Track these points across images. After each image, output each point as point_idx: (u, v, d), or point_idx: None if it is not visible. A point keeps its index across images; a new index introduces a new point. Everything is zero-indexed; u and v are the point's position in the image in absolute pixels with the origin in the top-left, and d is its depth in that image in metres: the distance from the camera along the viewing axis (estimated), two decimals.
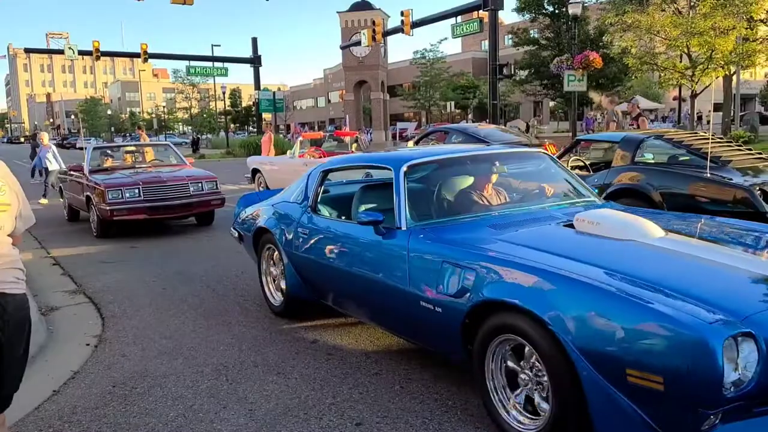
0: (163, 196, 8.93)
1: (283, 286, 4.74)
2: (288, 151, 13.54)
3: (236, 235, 5.60)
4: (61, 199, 11.52)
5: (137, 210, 8.73)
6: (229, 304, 5.42)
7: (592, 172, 7.01)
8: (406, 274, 3.32)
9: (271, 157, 14.95)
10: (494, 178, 4.04)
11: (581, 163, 7.44)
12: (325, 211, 4.58)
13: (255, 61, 35.53)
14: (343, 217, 4.45)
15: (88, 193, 9.15)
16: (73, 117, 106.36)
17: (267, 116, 19.78)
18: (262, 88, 36.36)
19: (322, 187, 4.58)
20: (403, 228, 3.52)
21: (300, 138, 13.62)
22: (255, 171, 13.28)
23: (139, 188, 8.81)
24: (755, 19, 19.76)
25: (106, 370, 4.01)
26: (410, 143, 14.86)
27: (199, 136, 52.18)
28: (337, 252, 4.05)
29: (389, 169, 3.83)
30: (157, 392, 3.63)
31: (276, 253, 4.82)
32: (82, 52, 31.17)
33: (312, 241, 4.28)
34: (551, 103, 48.85)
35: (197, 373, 3.88)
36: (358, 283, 3.81)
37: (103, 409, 3.44)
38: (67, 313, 5.42)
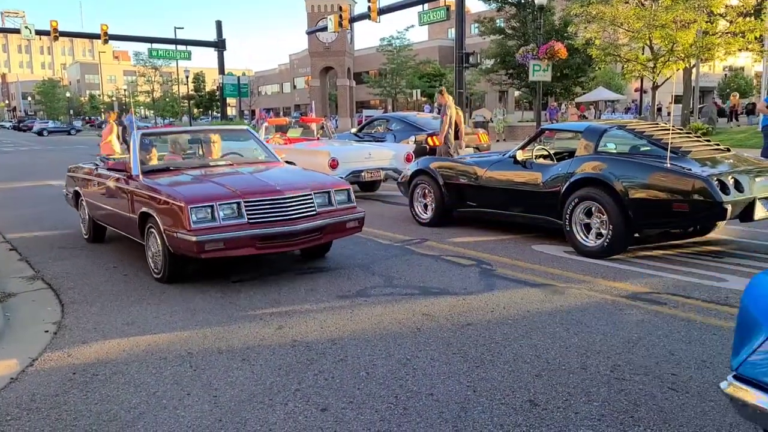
0: (279, 216, 5.31)
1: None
2: None
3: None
4: (79, 212, 7.75)
5: (241, 241, 5.13)
6: (193, 291, 5.35)
7: (556, 162, 7.10)
8: None
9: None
10: None
11: (545, 153, 7.54)
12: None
13: (219, 44, 34.98)
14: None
15: (145, 209, 5.62)
16: (30, 99, 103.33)
17: (113, 114, 17.21)
18: (226, 72, 35.84)
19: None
20: None
21: (265, 124, 13.48)
22: None
23: (239, 204, 5.21)
24: (715, 13, 20.19)
25: (66, 357, 3.94)
26: (353, 130, 15.12)
27: (121, 120, 48.23)
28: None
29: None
30: (119, 379, 3.57)
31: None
32: (39, 32, 30.26)
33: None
34: (516, 93, 49.23)
35: (160, 360, 3.83)
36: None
37: (63, 396, 3.38)
38: (24, 299, 5.29)
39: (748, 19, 20.48)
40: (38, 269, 6.31)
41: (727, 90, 54.00)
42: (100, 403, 3.28)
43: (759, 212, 5.72)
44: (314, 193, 5.63)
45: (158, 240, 5.45)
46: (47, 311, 4.92)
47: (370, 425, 2.95)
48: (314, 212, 5.53)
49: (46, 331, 4.43)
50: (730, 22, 20.83)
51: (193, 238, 4.99)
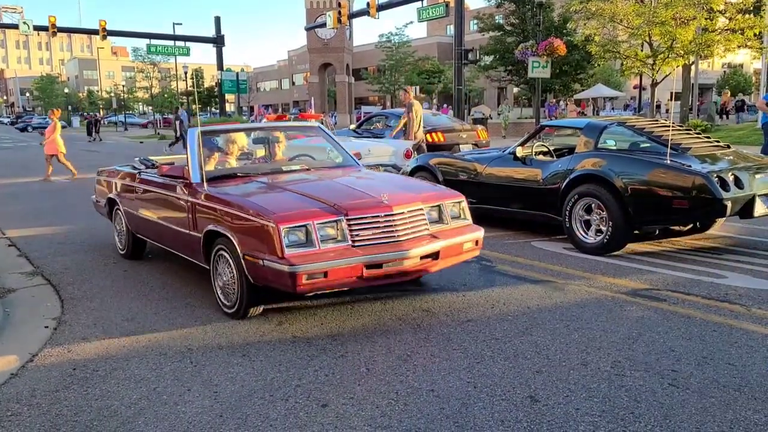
0: (388, 237, 4.19)
1: None
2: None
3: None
4: (114, 224, 6.67)
5: (346, 270, 4.01)
6: (193, 286, 5.35)
7: (555, 158, 7.10)
8: None
9: None
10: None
11: (545, 149, 7.53)
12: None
13: (218, 40, 34.87)
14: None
15: (214, 227, 4.48)
16: (28, 95, 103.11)
17: (56, 112, 16.26)
18: (225, 68, 35.76)
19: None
20: None
21: (264, 120, 13.46)
22: None
23: (339, 221, 4.11)
24: (715, 10, 20.16)
25: (65, 353, 3.93)
26: (352, 126, 15.19)
27: (97, 116, 45.92)
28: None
29: None
30: (119, 375, 3.57)
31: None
32: (37, 28, 30.14)
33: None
34: (515, 90, 49.18)
35: (160, 356, 3.83)
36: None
37: (64, 392, 3.37)
38: (24, 295, 5.29)
39: (747, 16, 20.47)
40: (38, 265, 6.30)
41: (726, 87, 54.02)
42: (100, 399, 3.27)
43: (759, 209, 5.72)
44: (425, 206, 4.49)
45: (232, 266, 4.33)
46: (47, 307, 4.92)
47: (371, 421, 2.95)
48: (427, 231, 4.41)
49: (46, 327, 4.43)
50: (730, 18, 20.80)
51: (287, 268, 3.85)
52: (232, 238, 4.26)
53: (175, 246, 5.37)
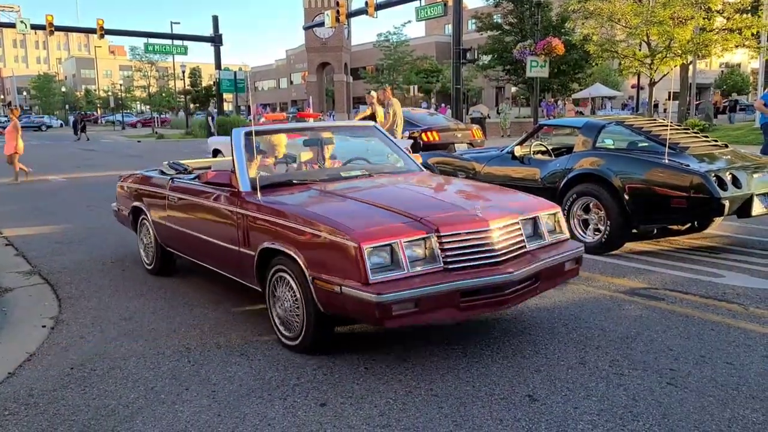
0: (484, 257, 3.51)
1: None
2: None
3: None
4: (140, 236, 5.90)
5: (441, 299, 3.32)
6: (191, 286, 5.34)
7: (554, 157, 7.10)
8: None
9: None
10: None
11: (543, 148, 7.53)
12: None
13: (216, 39, 34.84)
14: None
15: (272, 244, 3.83)
16: (25, 93, 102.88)
17: (15, 111, 15.49)
18: (222, 67, 35.73)
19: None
20: None
21: (262, 119, 13.44)
22: (216, 151, 13.08)
23: (427, 240, 3.43)
24: (713, 9, 20.19)
25: (63, 352, 3.92)
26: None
27: (83, 116, 43.37)
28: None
29: None
30: (117, 374, 3.56)
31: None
32: (34, 27, 30.07)
33: None
34: (513, 89, 49.18)
35: (158, 355, 3.82)
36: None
37: (61, 391, 3.36)
38: (21, 294, 5.27)
39: (745, 15, 20.50)
40: (35, 264, 6.28)
41: (724, 86, 54.09)
42: (98, 398, 3.27)
43: (756, 208, 5.73)
44: (521, 220, 3.78)
45: (297, 291, 3.66)
46: (44, 306, 4.91)
47: (369, 420, 2.95)
48: (524, 249, 3.70)
49: (44, 326, 4.42)
50: (728, 18, 20.84)
51: (374, 298, 3.13)
52: (297, 258, 3.56)
53: (218, 264, 4.61)
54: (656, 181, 5.78)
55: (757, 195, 5.71)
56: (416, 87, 50.88)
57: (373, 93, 11.97)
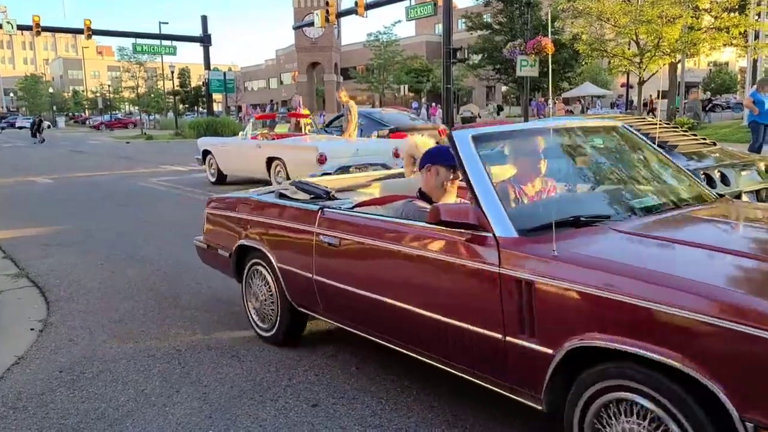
0: None
1: None
2: (240, 133, 13.30)
3: None
4: (250, 288, 3.96)
5: None
6: (181, 288, 5.31)
7: None
8: None
9: (223, 138, 14.71)
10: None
11: None
12: None
13: (205, 40, 34.74)
14: None
15: (608, 343, 2.06)
16: (12, 95, 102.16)
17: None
18: (212, 67, 35.61)
19: None
20: None
21: (252, 119, 13.41)
22: (206, 152, 13.00)
23: None
24: (700, 8, 20.33)
25: (52, 355, 3.89)
26: (320, 125, 15.45)
27: (41, 118, 41.06)
28: None
29: None
30: (106, 377, 3.53)
31: None
32: (21, 27, 29.89)
33: None
34: (504, 88, 49.34)
35: (149, 357, 3.79)
36: None
37: (50, 394, 3.33)
38: (9, 297, 5.22)
39: (732, 14, 20.64)
40: (23, 267, 6.22)
41: (712, 85, 54.47)
42: (87, 402, 3.24)
43: None
44: None
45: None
46: (33, 309, 4.86)
47: (362, 420, 2.94)
48: None
49: (32, 329, 4.37)
50: (715, 17, 20.98)
51: None
52: (716, 390, 1.82)
53: (448, 353, 2.80)
54: None
55: (745, 192, 5.75)
56: (406, 87, 50.94)
57: (344, 94, 12.40)
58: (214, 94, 37.96)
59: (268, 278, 3.89)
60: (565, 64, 35.31)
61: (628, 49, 22.75)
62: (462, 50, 34.13)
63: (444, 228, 2.69)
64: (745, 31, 20.68)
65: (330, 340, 3.96)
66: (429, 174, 3.27)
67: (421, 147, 3.80)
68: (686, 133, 6.93)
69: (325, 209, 3.49)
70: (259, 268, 3.97)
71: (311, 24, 31.37)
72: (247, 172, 11.94)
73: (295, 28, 44.38)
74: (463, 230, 2.64)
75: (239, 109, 59.71)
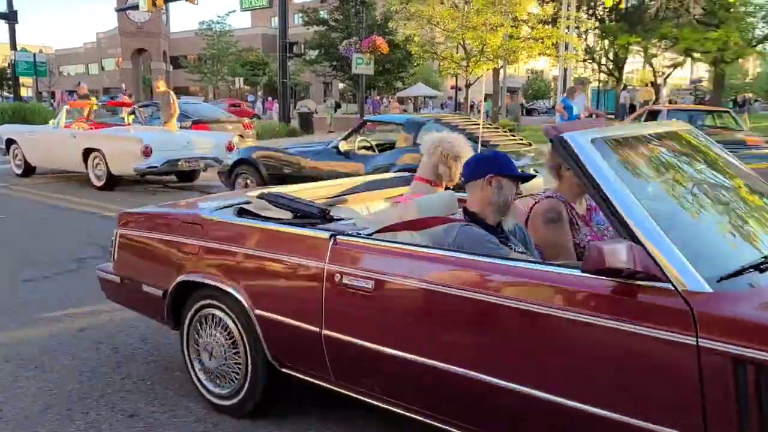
0: None
1: None
2: (51, 121, 11.95)
3: None
4: (199, 345, 2.95)
5: None
6: None
7: (378, 152, 7.24)
8: None
9: (32, 126, 13.20)
10: None
11: (368, 144, 7.65)
12: None
13: (10, 16, 31.21)
14: None
15: None
16: None
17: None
18: (19, 48, 32.12)
19: None
20: None
21: (66, 106, 12.15)
22: (9, 141, 11.51)
23: None
24: (519, 19, 21.94)
25: None
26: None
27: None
28: None
29: None
30: None
31: None
32: None
33: None
34: (341, 85, 49.88)
35: None
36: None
37: None
38: None
39: (546, 26, 22.55)
40: None
41: (530, 91, 59.34)
42: None
43: None
44: None
45: None
46: None
47: (184, 426, 2.75)
48: None
49: None
50: (532, 28, 22.77)
51: None
52: None
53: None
54: None
55: None
56: (242, 79, 49.62)
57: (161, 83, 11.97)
58: (21, 78, 34.25)
59: (231, 326, 2.80)
60: (398, 64, 36.45)
61: (456, 53, 24.01)
62: (298, 45, 33.92)
63: (588, 275, 1.83)
64: (557, 42, 22.68)
65: (151, 343, 3.67)
66: (489, 188, 2.43)
67: (460, 149, 3.12)
68: (507, 134, 7.41)
69: (337, 237, 2.48)
70: (215, 312, 2.87)
71: (136, 7, 29.37)
72: (60, 165, 10.88)
73: (118, 10, 41.24)
74: (619, 279, 1.80)
75: (52, 95, 54.62)
